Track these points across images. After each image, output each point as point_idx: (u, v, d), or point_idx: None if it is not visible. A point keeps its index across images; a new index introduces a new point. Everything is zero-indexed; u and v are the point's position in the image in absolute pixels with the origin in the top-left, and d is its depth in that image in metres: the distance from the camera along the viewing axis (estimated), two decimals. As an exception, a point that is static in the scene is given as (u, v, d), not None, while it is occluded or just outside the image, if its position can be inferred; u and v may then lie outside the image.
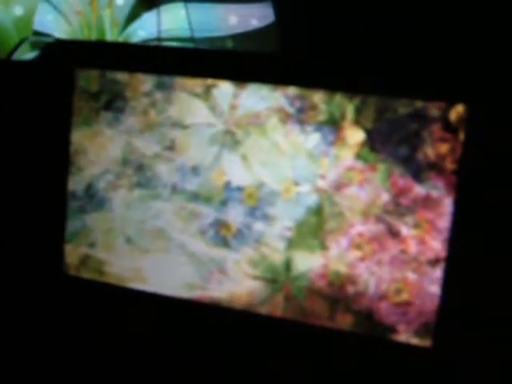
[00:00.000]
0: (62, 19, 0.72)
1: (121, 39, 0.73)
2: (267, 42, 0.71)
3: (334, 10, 0.62)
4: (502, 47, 0.55)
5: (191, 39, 0.71)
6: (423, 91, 0.42)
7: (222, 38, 0.72)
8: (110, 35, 0.72)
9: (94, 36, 0.72)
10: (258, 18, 0.72)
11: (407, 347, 0.44)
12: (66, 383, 0.52)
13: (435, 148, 0.42)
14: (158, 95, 0.49)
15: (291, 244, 0.46)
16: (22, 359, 0.53)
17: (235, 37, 0.72)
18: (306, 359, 0.47)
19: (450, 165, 0.42)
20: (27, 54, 0.68)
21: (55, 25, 0.72)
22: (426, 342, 0.44)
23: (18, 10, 0.72)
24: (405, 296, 0.44)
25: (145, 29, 0.73)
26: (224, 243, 0.48)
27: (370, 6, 0.60)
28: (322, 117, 0.45)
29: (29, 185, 0.53)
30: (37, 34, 0.72)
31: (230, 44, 0.72)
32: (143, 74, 0.49)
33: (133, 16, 0.73)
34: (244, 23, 0.72)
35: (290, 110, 0.45)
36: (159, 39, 0.71)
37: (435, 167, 0.42)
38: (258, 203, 0.47)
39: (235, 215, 0.47)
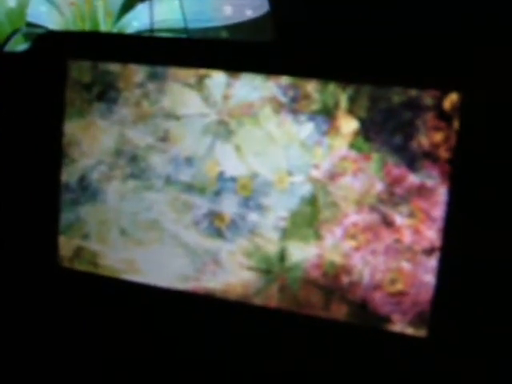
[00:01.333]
0: (55, 10, 0.72)
1: (115, 30, 0.72)
2: (262, 32, 0.71)
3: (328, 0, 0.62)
4: (496, 35, 0.55)
5: (185, 30, 0.71)
6: (417, 80, 0.42)
7: (217, 29, 0.71)
8: (104, 26, 0.72)
9: (87, 27, 0.72)
10: (252, 8, 0.71)
11: (402, 337, 0.44)
12: (59, 374, 0.52)
13: (429, 137, 0.42)
14: (151, 86, 0.48)
15: (285, 234, 0.46)
16: (16, 351, 0.53)
17: (230, 27, 0.72)
18: (301, 350, 0.47)
19: (444, 153, 0.42)
20: (20, 46, 0.67)
21: (48, 16, 0.72)
22: (421, 332, 0.44)
23: (11, 2, 0.71)
24: (399, 286, 0.44)
25: (139, 20, 0.72)
26: (218, 234, 0.48)
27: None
28: (315, 106, 0.44)
29: (22, 177, 0.52)
30: (30, 25, 0.71)
31: (224, 34, 0.72)
32: (135, 65, 0.48)
33: (127, 7, 0.72)
34: (238, 13, 0.72)
35: (283, 99, 0.45)
36: (152, 30, 0.71)
37: (429, 156, 0.42)
38: (251, 193, 0.46)
39: (229, 206, 0.47)
